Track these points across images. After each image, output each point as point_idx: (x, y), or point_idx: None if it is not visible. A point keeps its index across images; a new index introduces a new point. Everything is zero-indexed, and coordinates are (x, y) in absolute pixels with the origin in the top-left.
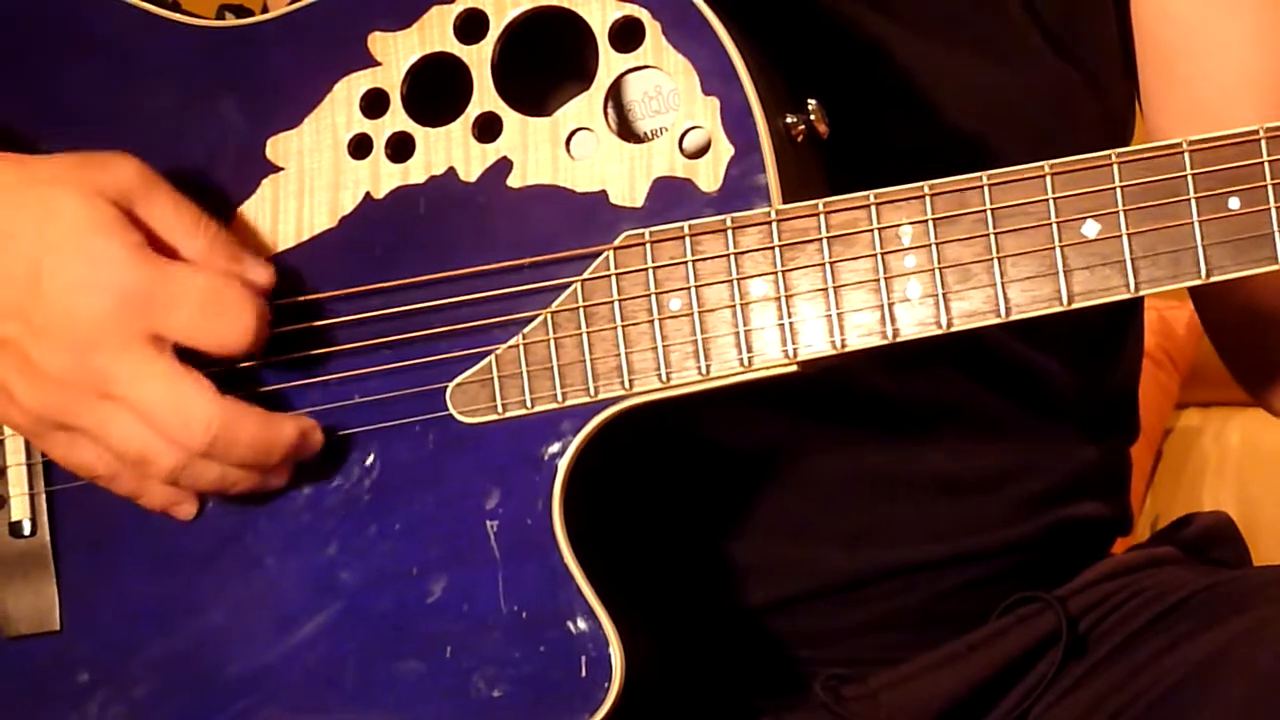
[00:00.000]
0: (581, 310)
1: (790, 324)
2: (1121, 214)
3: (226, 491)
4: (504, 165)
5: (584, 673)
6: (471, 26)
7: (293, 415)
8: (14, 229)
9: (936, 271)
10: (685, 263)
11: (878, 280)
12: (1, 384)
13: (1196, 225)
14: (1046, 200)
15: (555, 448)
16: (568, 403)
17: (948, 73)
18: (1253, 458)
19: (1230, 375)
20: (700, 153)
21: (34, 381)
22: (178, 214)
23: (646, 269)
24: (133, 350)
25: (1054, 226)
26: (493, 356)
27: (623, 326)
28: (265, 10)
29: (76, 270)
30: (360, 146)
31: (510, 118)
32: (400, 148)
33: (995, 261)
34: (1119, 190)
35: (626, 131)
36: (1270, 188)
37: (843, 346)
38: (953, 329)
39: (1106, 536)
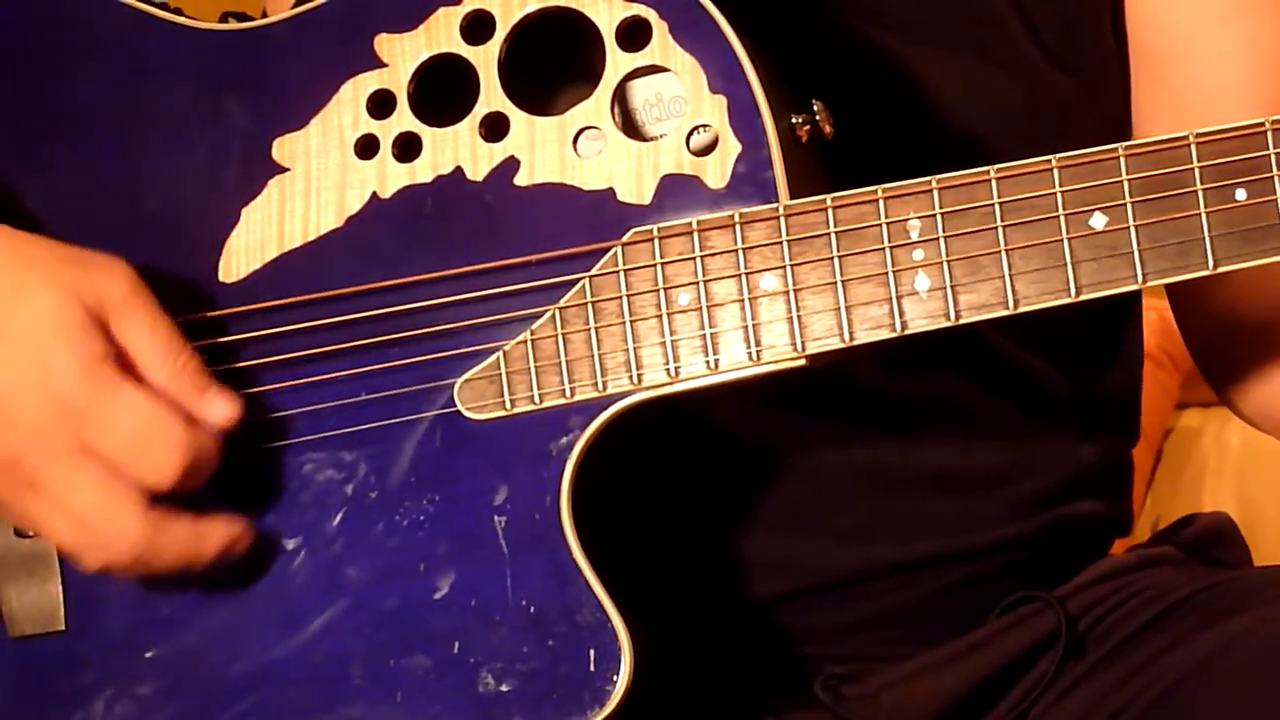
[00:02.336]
0: (590, 306)
1: (799, 318)
2: (1129, 206)
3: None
4: (511, 164)
5: (592, 667)
6: (478, 27)
7: (225, 521)
8: None
9: (944, 265)
10: (693, 258)
11: (886, 274)
12: None
13: (1204, 216)
14: (1054, 193)
15: (563, 443)
16: (576, 398)
17: (946, 83)
18: (1253, 458)
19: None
20: (707, 150)
21: None
22: (152, 336)
23: (655, 264)
24: (64, 457)
25: (1061, 219)
26: (501, 353)
27: (631, 321)
28: (265, 16)
29: (24, 367)
30: (367, 147)
31: (517, 117)
32: (407, 148)
33: (1003, 254)
34: (1126, 182)
35: (631, 136)
36: (1277, 179)
37: (851, 340)
38: (961, 321)
39: (1106, 536)
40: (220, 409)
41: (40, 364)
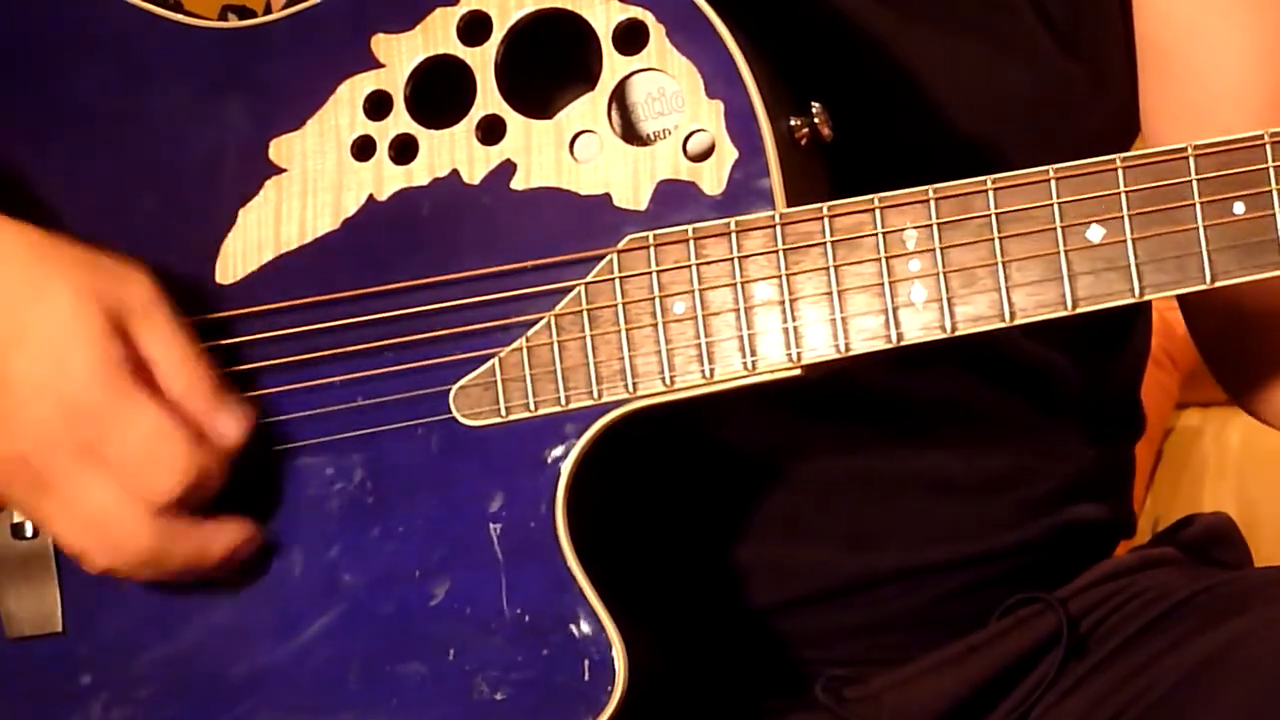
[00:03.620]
0: (585, 313)
1: (794, 327)
2: (1126, 218)
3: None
4: (507, 168)
5: (587, 676)
6: (475, 29)
7: (233, 524)
8: (4, 302)
9: (941, 276)
10: (689, 266)
11: (882, 284)
12: None
13: (1201, 230)
14: (1051, 205)
15: (559, 451)
16: (571, 406)
17: (953, 70)
18: (1253, 458)
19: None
20: (704, 156)
21: None
22: (169, 346)
23: (650, 272)
24: (73, 461)
25: (1059, 231)
26: (496, 359)
27: (626, 330)
28: (268, 10)
29: (40, 367)
30: (363, 148)
31: (514, 120)
32: (403, 150)
33: (1000, 266)
34: (1124, 195)
35: (630, 133)
36: (1275, 192)
37: (846, 350)
38: (957, 333)
39: (1109, 539)
40: (231, 428)
41: (56, 365)
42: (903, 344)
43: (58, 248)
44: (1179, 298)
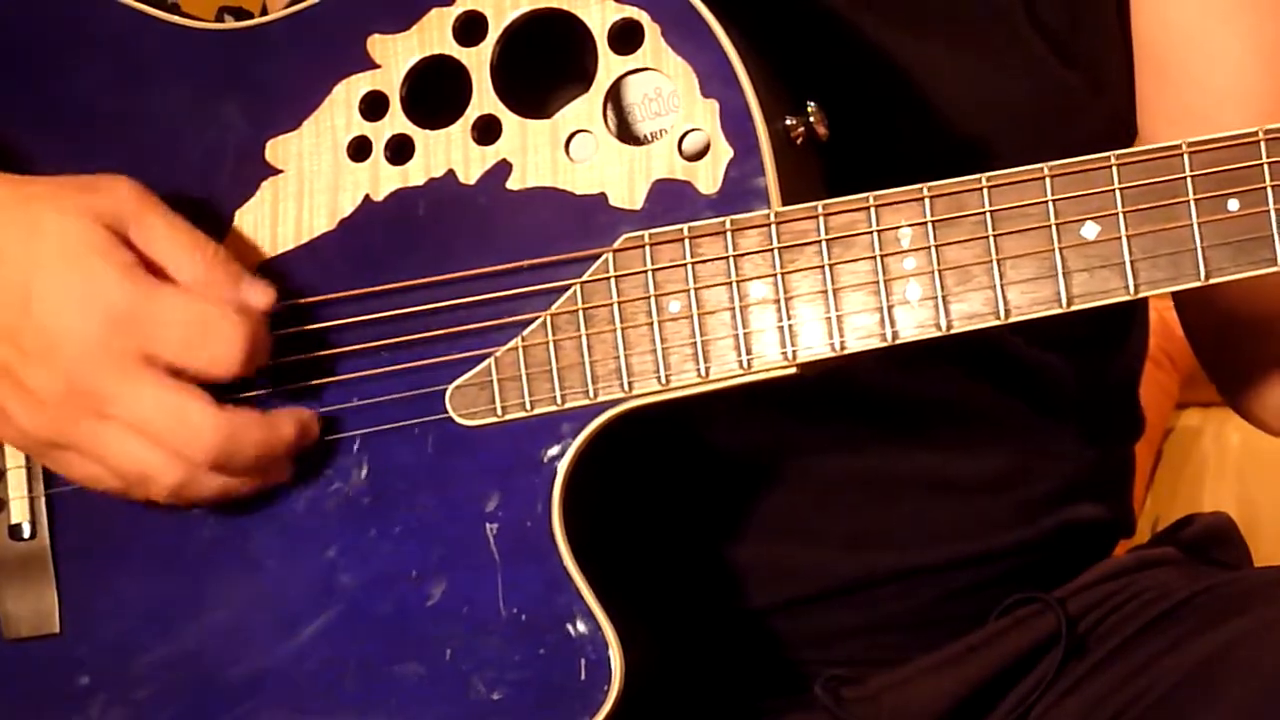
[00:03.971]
0: (581, 313)
1: (789, 326)
2: (1121, 216)
3: (229, 498)
4: (503, 168)
5: (583, 675)
6: (471, 29)
7: (289, 411)
8: (3, 249)
9: (936, 273)
10: (684, 265)
11: (877, 282)
12: None
13: (1196, 227)
14: (1046, 202)
15: (555, 450)
16: (567, 405)
17: (949, 77)
18: (1253, 458)
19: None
20: (699, 155)
21: (29, 404)
22: (173, 236)
23: (646, 271)
24: (125, 370)
25: (1053, 228)
26: (492, 359)
27: (622, 329)
28: (265, 12)
29: (65, 292)
30: (360, 149)
31: (509, 120)
32: (399, 150)
33: (995, 263)
34: (1118, 192)
35: (626, 134)
36: (1270, 189)
37: (842, 349)
38: (952, 331)
39: (1108, 539)
40: (258, 293)
41: (79, 284)
42: (898, 342)
43: (34, 184)
44: (1175, 301)
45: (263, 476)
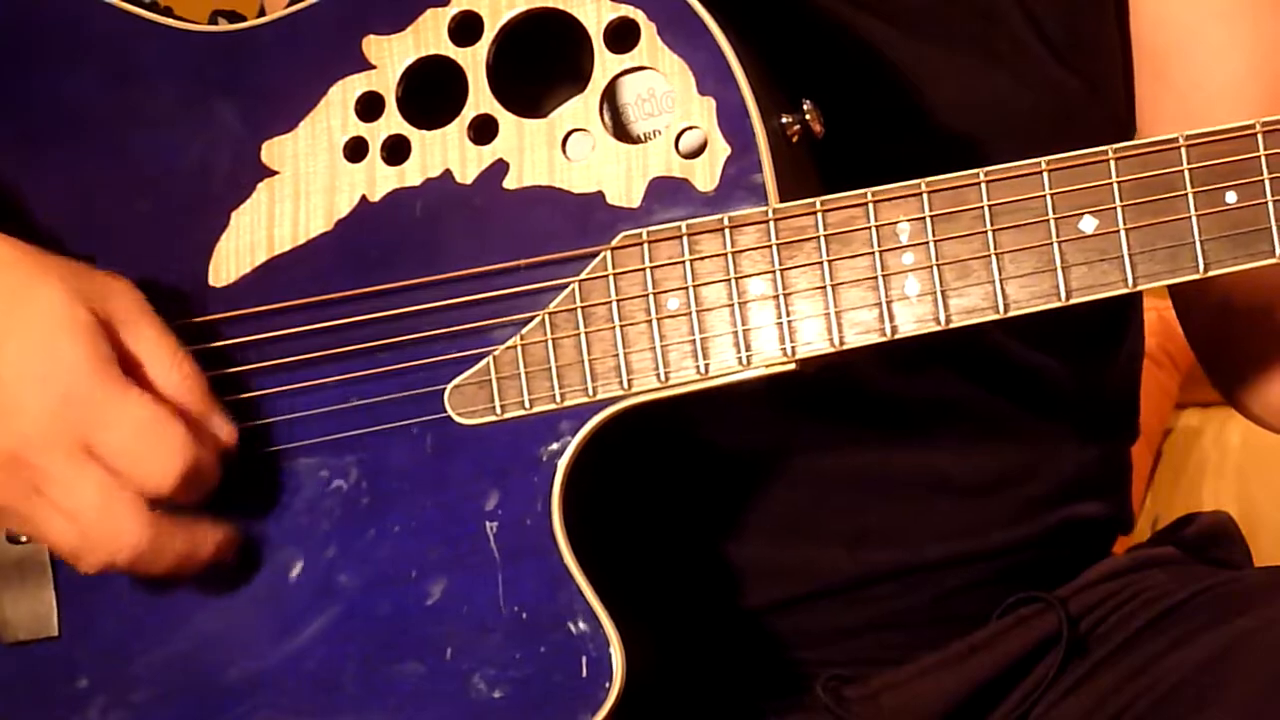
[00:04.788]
0: (579, 311)
1: (788, 322)
2: (1119, 209)
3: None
4: (500, 167)
5: (585, 673)
6: (466, 29)
7: (216, 528)
8: None
9: (934, 268)
10: (683, 262)
11: (875, 278)
12: None
13: (1194, 220)
14: (1044, 196)
15: (554, 448)
16: (566, 403)
17: (945, 78)
18: (1253, 458)
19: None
20: (696, 153)
21: None
22: (158, 346)
23: (644, 269)
24: (68, 456)
25: (1051, 222)
26: (490, 358)
27: (621, 326)
28: (262, 14)
29: (32, 363)
30: (356, 150)
31: (506, 119)
32: (396, 150)
33: (993, 258)
34: (1116, 185)
35: (621, 135)
36: (1267, 181)
37: (841, 344)
38: (951, 325)
39: (1108, 536)
40: (222, 426)
41: (48, 359)
42: (897, 337)
43: (45, 256)
44: (1174, 297)
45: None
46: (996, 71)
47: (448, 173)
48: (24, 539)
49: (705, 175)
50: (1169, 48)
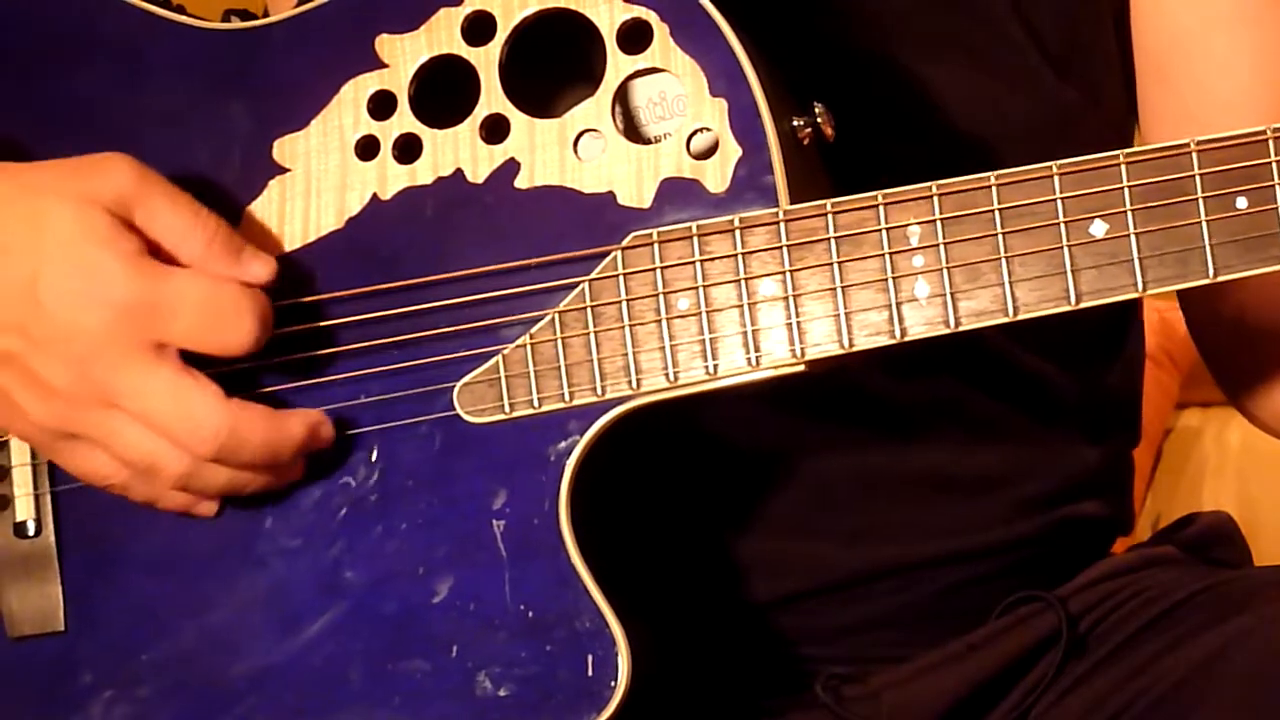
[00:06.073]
0: (589, 310)
1: (798, 323)
2: (1129, 213)
3: (239, 492)
4: (512, 166)
5: (591, 672)
6: (479, 28)
7: (300, 411)
8: (8, 241)
9: (944, 271)
10: (693, 262)
11: (885, 280)
12: (7, 397)
13: (1204, 224)
14: (1054, 200)
15: (562, 447)
16: (575, 402)
17: (948, 89)
18: (1253, 458)
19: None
20: (708, 154)
21: (39, 394)
22: (174, 214)
23: (654, 269)
24: (134, 360)
25: (1062, 226)
26: (500, 356)
27: (630, 326)
28: (265, 14)
29: (73, 282)
30: (367, 148)
31: (518, 119)
32: (407, 149)
33: (1003, 261)
34: (1126, 190)
35: (632, 137)
36: (1278, 187)
37: (850, 346)
38: (960, 328)
39: (1107, 535)
40: (259, 267)
41: (85, 275)
42: (906, 339)
43: (33, 172)
44: (1183, 305)
45: (271, 474)
46: (995, 82)
47: (459, 172)
48: (32, 534)
49: (716, 176)
50: (1172, 55)
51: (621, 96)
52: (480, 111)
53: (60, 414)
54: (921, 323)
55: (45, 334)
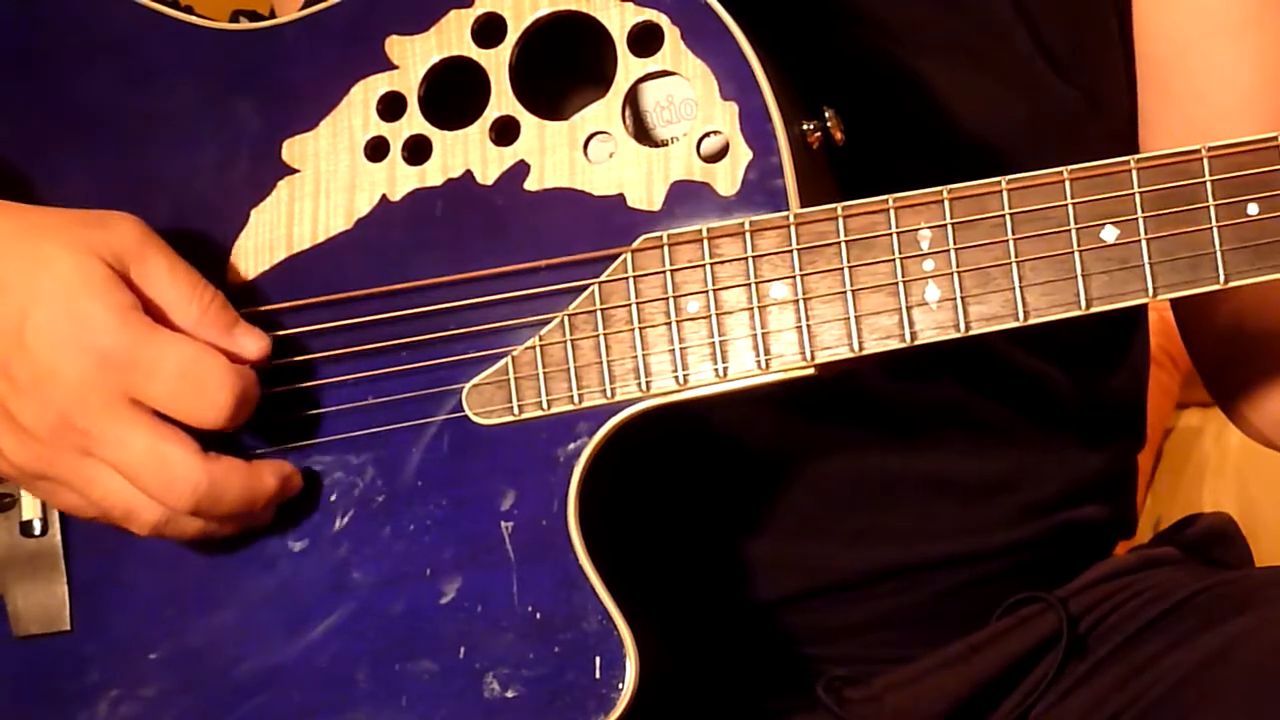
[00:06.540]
0: (599, 312)
1: (808, 327)
2: (1140, 219)
3: (212, 538)
4: (521, 168)
5: (598, 674)
6: (490, 30)
7: (271, 462)
8: (6, 279)
9: (955, 275)
10: (703, 265)
11: (896, 284)
12: None
13: (1215, 230)
14: (1065, 205)
15: (571, 449)
16: (584, 404)
17: (953, 94)
18: (1253, 458)
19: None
20: (718, 157)
21: (17, 436)
22: (173, 279)
23: (664, 271)
24: (113, 412)
25: (1073, 231)
26: (509, 358)
27: (640, 328)
28: (272, 15)
29: (60, 327)
30: (377, 149)
31: (528, 121)
32: (417, 150)
33: (1014, 265)
34: (1138, 195)
35: (642, 140)
36: None
37: (860, 350)
38: (971, 332)
39: (1109, 538)
40: (252, 343)
41: (75, 322)
42: (917, 343)
43: (41, 215)
44: (1177, 310)
45: (243, 521)
46: (1000, 87)
47: (469, 173)
48: (38, 533)
49: (726, 179)
50: (1174, 62)
51: (631, 99)
52: (490, 113)
53: (38, 457)
54: (932, 327)
55: (27, 377)
